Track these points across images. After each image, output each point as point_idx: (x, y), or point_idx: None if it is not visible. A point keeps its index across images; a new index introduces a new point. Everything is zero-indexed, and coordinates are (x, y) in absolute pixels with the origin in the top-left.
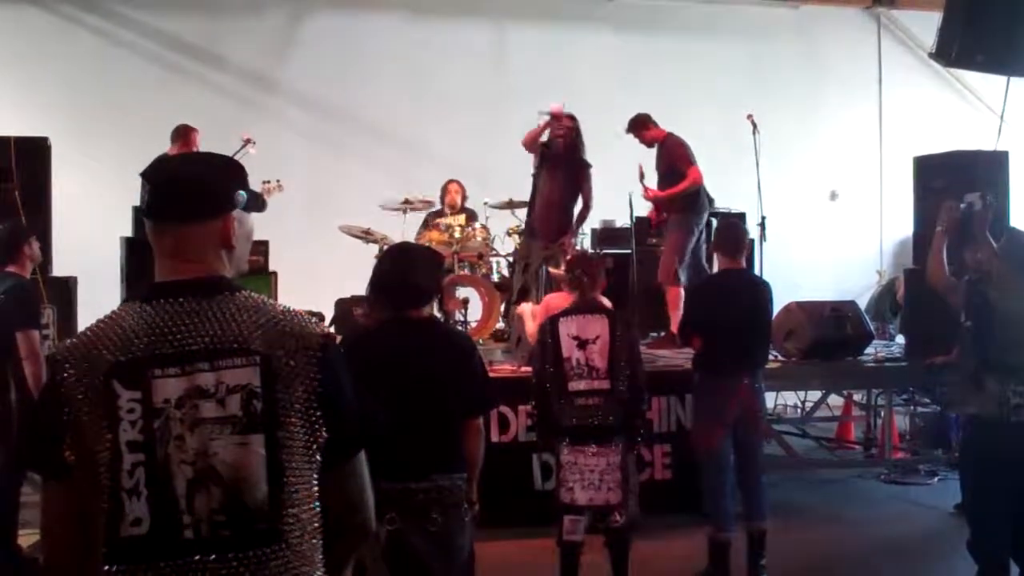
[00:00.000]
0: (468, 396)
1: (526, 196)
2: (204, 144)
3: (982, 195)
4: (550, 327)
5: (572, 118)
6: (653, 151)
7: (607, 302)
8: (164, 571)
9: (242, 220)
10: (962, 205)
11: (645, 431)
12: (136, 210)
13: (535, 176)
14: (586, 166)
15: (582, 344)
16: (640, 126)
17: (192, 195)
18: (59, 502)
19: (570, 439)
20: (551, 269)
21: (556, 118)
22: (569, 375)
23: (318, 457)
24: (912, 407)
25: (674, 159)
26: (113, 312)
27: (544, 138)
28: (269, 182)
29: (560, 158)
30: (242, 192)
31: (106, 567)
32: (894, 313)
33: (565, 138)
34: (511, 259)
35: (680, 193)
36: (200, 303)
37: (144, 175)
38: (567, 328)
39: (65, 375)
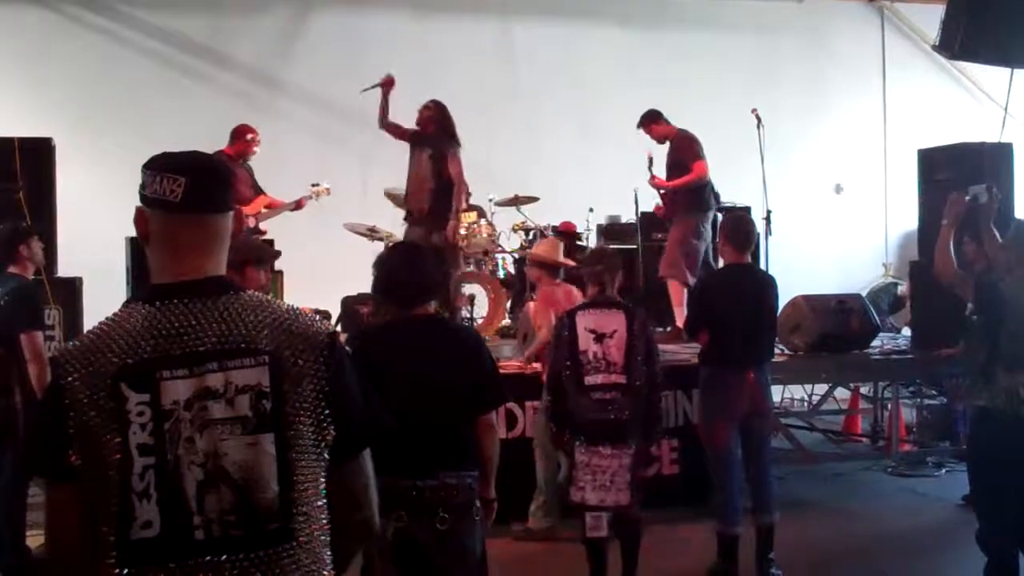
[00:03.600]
0: (478, 392)
1: (531, 192)
2: (209, 144)
3: (988, 186)
4: (568, 321)
5: (435, 104)
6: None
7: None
8: (175, 572)
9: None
10: (967, 197)
11: (659, 430)
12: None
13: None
14: (448, 144)
15: (599, 338)
16: (650, 121)
17: (223, 185)
18: (63, 505)
19: (585, 438)
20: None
21: (387, 85)
22: (586, 369)
23: (326, 455)
24: (919, 399)
25: (681, 153)
26: (116, 314)
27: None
28: (318, 185)
29: (423, 137)
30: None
31: (116, 570)
32: (891, 309)
33: (426, 120)
34: (516, 255)
35: (684, 186)
36: (206, 303)
37: (167, 168)
38: (584, 322)
39: (69, 378)
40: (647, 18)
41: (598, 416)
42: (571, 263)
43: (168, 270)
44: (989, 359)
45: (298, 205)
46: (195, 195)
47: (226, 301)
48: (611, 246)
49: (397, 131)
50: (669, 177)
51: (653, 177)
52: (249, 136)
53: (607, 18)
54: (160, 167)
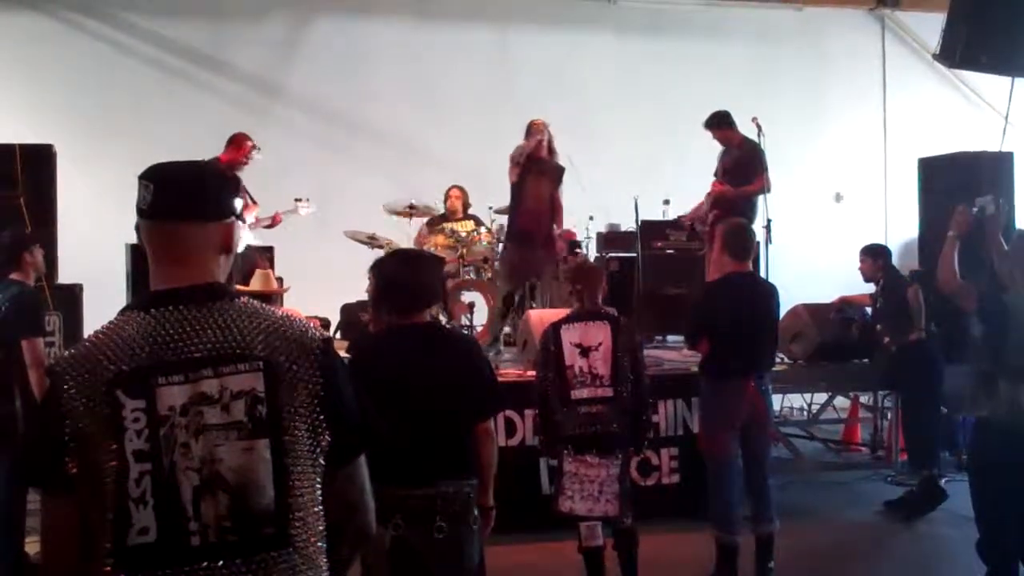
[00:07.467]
0: (476, 399)
1: None
2: (209, 151)
3: (994, 198)
4: (552, 335)
5: (547, 126)
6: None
7: (611, 309)
8: None
9: (237, 229)
10: (974, 209)
11: (650, 437)
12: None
13: (518, 184)
14: (563, 170)
15: (584, 351)
16: (724, 123)
17: (197, 194)
18: (60, 513)
19: (573, 448)
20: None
21: (540, 134)
22: (572, 383)
23: (321, 461)
24: None
25: (749, 163)
26: (112, 322)
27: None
28: (301, 199)
29: (545, 163)
30: (239, 200)
31: None
32: None
33: (543, 145)
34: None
35: (742, 194)
36: (201, 310)
37: (145, 176)
38: (569, 336)
39: (65, 386)
40: (645, 26)
41: (586, 430)
42: (283, 290)
43: (158, 277)
44: (991, 370)
45: (273, 222)
46: (161, 203)
47: (221, 307)
48: (607, 255)
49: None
50: (725, 179)
51: (715, 184)
52: (245, 144)
53: (605, 26)
54: (142, 175)
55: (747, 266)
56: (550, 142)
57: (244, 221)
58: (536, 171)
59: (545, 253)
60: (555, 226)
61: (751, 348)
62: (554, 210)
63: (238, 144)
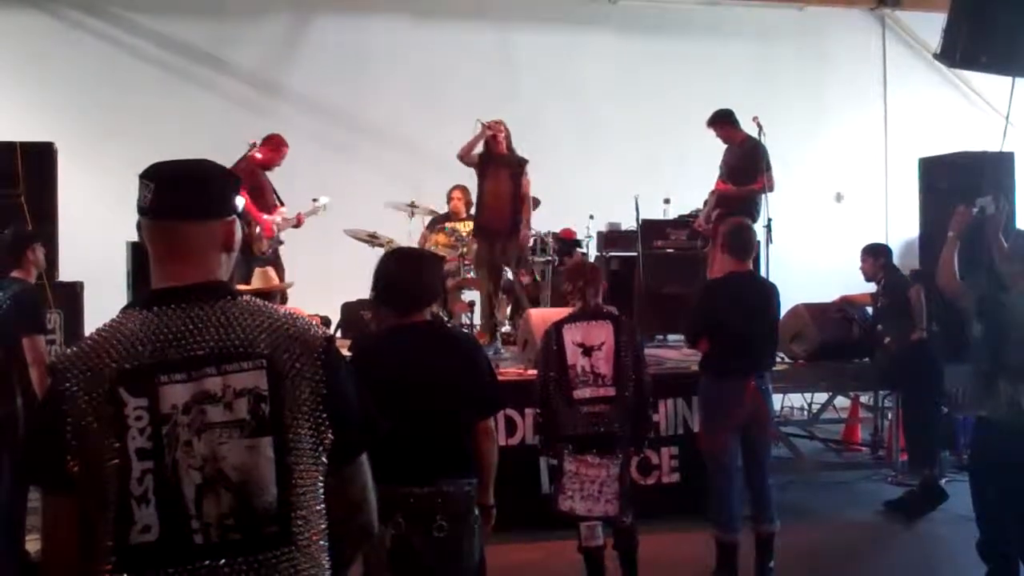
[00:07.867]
0: (476, 398)
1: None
2: (211, 149)
3: (994, 198)
4: (554, 334)
5: (504, 124)
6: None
7: (612, 308)
8: None
9: (238, 228)
10: (974, 209)
11: (650, 437)
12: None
13: (480, 183)
14: (525, 163)
15: (587, 351)
16: (726, 123)
17: (197, 193)
18: (61, 512)
19: (574, 447)
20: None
21: (492, 129)
22: (574, 383)
23: (324, 459)
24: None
25: (751, 162)
26: (114, 320)
27: (479, 148)
28: (317, 200)
29: (503, 158)
30: (240, 199)
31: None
32: None
33: (501, 141)
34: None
35: (744, 193)
36: (203, 308)
37: (145, 175)
38: (571, 335)
39: (67, 384)
40: (645, 26)
41: (588, 430)
42: (283, 286)
43: (160, 276)
44: (991, 370)
45: (298, 222)
46: (162, 202)
47: (223, 306)
48: (608, 254)
49: (469, 160)
50: (726, 177)
51: (718, 183)
52: (281, 148)
53: (606, 25)
54: (143, 174)
55: (748, 265)
56: (508, 138)
57: (243, 219)
58: (494, 167)
59: (506, 244)
60: (523, 217)
61: (751, 347)
62: (519, 202)
63: (275, 146)
